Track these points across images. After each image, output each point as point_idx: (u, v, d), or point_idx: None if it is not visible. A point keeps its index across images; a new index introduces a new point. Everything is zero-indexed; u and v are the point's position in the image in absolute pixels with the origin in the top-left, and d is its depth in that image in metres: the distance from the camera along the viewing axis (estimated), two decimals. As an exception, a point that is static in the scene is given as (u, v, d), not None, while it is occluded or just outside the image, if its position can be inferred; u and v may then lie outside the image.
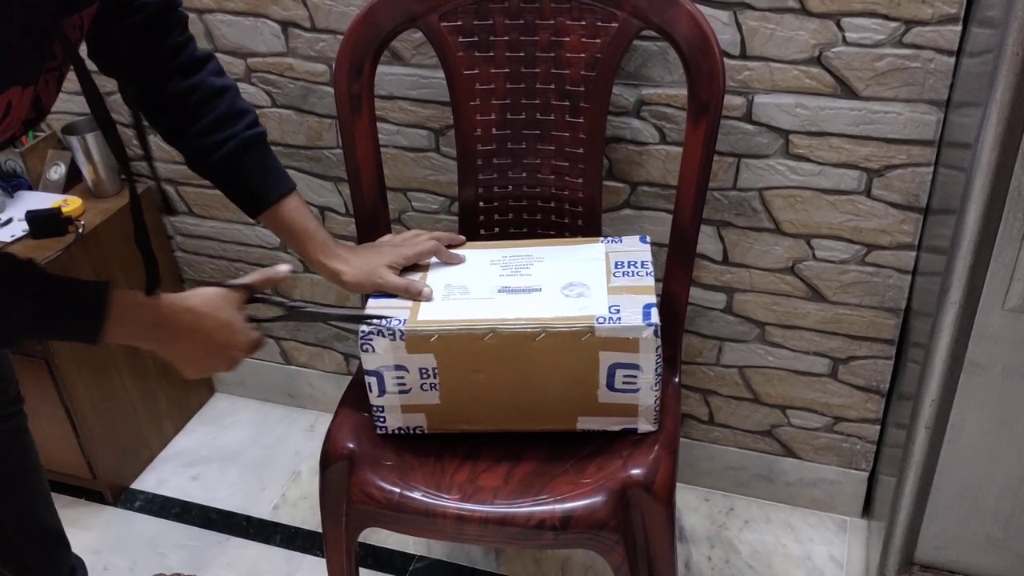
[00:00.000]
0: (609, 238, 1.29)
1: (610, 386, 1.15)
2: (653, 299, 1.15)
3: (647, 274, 1.20)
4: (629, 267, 1.21)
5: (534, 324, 1.12)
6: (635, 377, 1.14)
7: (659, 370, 1.14)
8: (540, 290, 1.18)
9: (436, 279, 1.23)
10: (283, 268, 1.15)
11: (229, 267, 1.88)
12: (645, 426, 1.20)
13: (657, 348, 1.11)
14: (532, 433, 1.23)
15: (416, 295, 1.19)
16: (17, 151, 1.72)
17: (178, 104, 1.12)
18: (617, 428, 1.20)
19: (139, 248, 1.07)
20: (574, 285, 1.18)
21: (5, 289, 0.90)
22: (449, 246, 1.29)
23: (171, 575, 1.65)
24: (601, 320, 1.11)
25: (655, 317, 1.11)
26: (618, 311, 1.12)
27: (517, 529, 1.13)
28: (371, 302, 1.20)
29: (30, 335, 0.95)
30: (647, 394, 1.16)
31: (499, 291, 1.19)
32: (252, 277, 1.12)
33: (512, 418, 1.21)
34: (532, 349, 1.12)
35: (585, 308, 1.13)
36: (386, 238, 1.31)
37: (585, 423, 1.20)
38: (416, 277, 1.22)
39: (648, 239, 1.28)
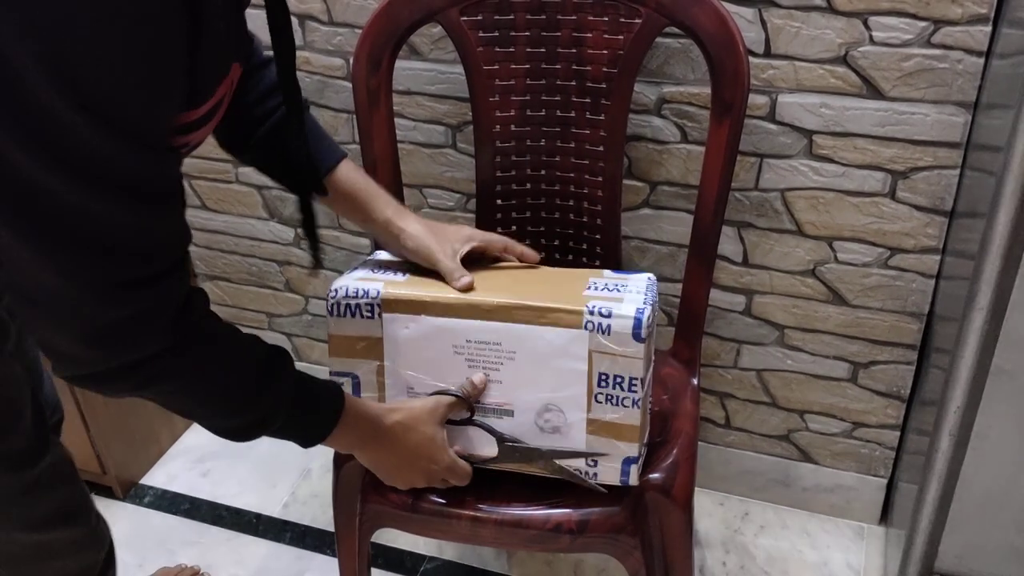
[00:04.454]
0: (599, 309, 1.01)
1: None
2: (636, 448, 1.05)
3: (634, 403, 1.02)
4: (615, 384, 1.02)
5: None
6: None
7: None
8: (512, 414, 1.09)
9: (393, 369, 1.10)
10: (479, 376, 1.07)
11: (242, 262, 1.87)
12: None
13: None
14: None
15: (457, 282, 1.08)
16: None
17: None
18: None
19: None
20: (551, 410, 1.07)
21: (270, 385, 0.91)
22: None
23: (175, 567, 1.64)
24: (578, 472, 1.08)
25: (634, 476, 1.07)
26: (595, 464, 1.07)
27: (533, 532, 1.12)
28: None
29: (272, 430, 0.94)
30: None
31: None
32: (458, 391, 1.06)
33: None
34: None
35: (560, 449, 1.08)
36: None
37: None
38: (372, 363, 1.10)
39: (655, 287, 1.09)
